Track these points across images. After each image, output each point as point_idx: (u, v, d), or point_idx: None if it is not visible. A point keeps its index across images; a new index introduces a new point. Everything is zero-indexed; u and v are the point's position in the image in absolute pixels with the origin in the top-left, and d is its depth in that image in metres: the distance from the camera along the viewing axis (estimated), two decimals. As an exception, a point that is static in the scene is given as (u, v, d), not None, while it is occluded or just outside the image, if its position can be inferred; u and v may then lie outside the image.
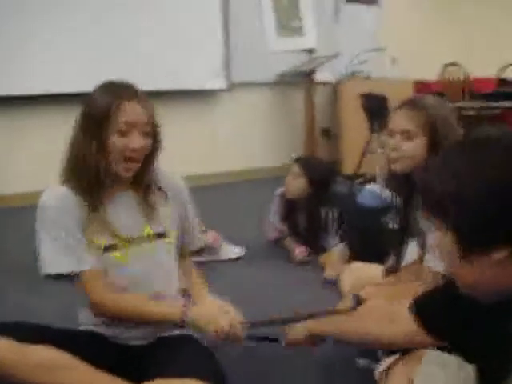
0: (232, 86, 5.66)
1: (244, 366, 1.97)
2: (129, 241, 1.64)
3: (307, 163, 3.32)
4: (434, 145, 1.77)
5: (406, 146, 1.81)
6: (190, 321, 1.56)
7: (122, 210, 1.65)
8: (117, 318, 1.63)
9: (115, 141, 1.55)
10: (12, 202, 4.42)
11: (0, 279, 2.95)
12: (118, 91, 1.56)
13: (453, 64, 5.09)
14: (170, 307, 1.62)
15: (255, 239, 3.58)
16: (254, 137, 5.95)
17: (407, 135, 1.80)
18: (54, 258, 1.57)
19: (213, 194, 4.77)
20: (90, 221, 1.59)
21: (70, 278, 1.60)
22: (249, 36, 5.64)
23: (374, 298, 1.85)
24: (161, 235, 1.70)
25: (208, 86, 5.54)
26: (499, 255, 0.89)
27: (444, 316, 1.17)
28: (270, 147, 5.96)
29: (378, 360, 1.88)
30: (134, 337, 1.67)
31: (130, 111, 1.55)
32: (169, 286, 1.72)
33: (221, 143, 5.68)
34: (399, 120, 1.84)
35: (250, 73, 5.70)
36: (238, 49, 5.59)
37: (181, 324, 1.58)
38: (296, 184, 3.25)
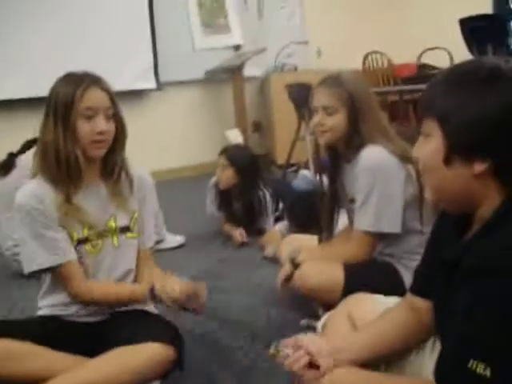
0: (161, 86, 5.76)
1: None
2: (99, 234, 1.73)
3: (232, 154, 3.43)
4: (354, 117, 1.94)
5: (329, 121, 1.97)
6: (157, 292, 1.67)
7: (92, 202, 1.73)
8: (95, 304, 1.74)
9: (81, 126, 1.62)
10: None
11: None
12: (79, 79, 1.64)
13: (374, 52, 5.29)
14: (136, 285, 1.79)
15: (195, 229, 3.72)
16: (186, 134, 6.05)
17: (329, 111, 1.97)
18: (37, 254, 1.64)
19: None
20: (65, 213, 1.66)
21: (50, 270, 1.68)
22: (175, 36, 5.77)
23: (309, 260, 2.01)
24: (124, 229, 1.79)
25: (137, 87, 5.60)
26: (480, 167, 0.97)
27: None
28: (203, 144, 6.04)
29: (317, 317, 2.04)
30: (92, 313, 1.76)
31: (93, 97, 1.63)
32: (128, 278, 1.83)
33: (153, 142, 5.72)
34: (320, 97, 2.00)
35: (178, 72, 5.80)
36: (165, 49, 5.69)
37: (151, 296, 1.69)
38: (225, 175, 3.38)
